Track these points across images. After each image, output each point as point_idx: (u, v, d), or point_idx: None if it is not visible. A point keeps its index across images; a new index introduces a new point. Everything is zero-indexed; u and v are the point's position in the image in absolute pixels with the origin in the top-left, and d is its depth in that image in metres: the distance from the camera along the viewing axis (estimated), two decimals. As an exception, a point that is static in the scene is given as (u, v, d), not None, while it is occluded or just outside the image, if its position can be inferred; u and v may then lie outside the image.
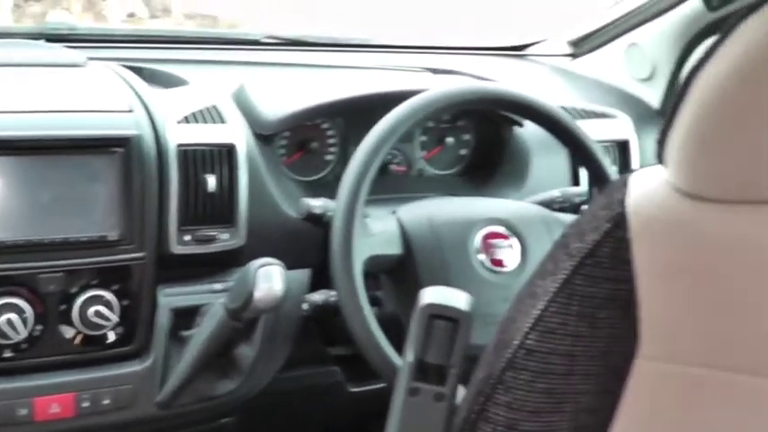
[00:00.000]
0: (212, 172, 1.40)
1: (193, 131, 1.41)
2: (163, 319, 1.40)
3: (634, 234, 0.74)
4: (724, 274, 0.69)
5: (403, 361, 0.89)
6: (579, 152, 1.46)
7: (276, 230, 1.48)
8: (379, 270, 1.40)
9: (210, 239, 1.41)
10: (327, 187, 1.61)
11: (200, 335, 1.38)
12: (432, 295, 0.95)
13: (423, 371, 0.92)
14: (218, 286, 1.43)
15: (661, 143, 0.74)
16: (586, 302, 0.76)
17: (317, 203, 1.38)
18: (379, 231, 1.37)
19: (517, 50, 2.08)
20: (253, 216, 1.45)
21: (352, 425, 1.76)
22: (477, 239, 1.40)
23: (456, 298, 0.94)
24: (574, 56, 2.02)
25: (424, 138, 1.71)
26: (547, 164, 1.66)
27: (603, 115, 1.76)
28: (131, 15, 3.60)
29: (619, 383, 0.76)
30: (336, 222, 1.31)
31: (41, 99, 1.37)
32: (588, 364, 0.77)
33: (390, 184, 1.66)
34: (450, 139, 1.71)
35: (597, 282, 0.76)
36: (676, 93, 0.72)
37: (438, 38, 2.11)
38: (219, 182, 1.40)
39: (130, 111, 1.38)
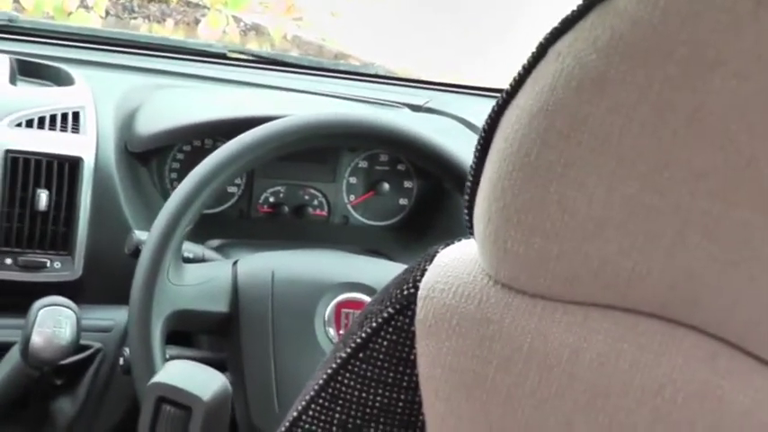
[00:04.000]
0: (47, 187, 1.18)
1: (31, 137, 1.21)
2: None
3: (420, 326, 0.56)
4: (534, 397, 0.52)
5: None
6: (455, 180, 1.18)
7: (126, 266, 1.23)
8: (196, 329, 1.16)
9: (37, 266, 1.20)
10: (227, 224, 1.37)
11: None
12: (169, 372, 0.77)
13: None
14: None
15: (469, 207, 0.56)
16: (354, 411, 0.58)
17: (146, 238, 1.14)
18: (199, 282, 1.11)
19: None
20: (97, 245, 1.23)
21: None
22: (329, 308, 1.11)
23: (202, 379, 0.79)
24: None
25: (353, 179, 1.43)
26: None
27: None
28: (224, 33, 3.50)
29: None
30: (139, 265, 1.06)
31: None
32: None
33: (306, 231, 1.40)
34: (385, 186, 1.43)
35: (369, 385, 0.58)
36: (479, 138, 0.55)
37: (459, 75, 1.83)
38: (56, 200, 1.19)
39: None
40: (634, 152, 0.47)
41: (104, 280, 1.24)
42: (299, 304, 1.11)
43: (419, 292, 0.56)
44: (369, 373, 0.57)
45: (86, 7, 3.20)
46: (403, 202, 1.47)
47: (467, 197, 0.56)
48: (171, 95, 1.41)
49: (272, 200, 1.41)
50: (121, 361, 1.13)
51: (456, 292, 0.55)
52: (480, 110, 1.60)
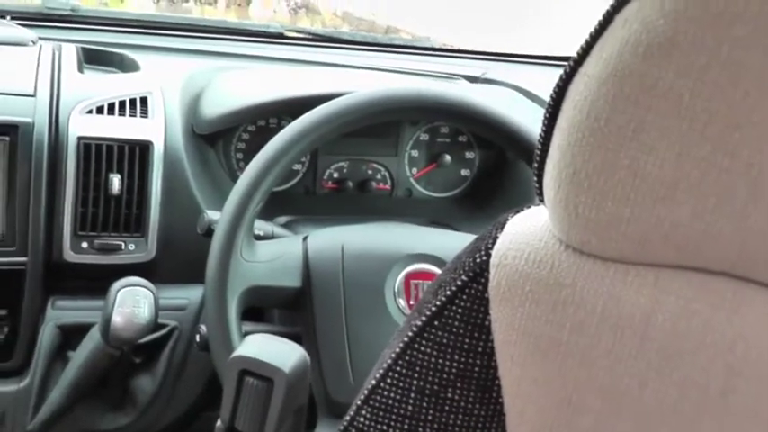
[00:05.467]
0: (119, 171, 1.21)
1: (102, 124, 1.23)
2: (47, 335, 1.22)
3: (494, 292, 0.57)
4: (608, 359, 0.54)
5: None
6: (521, 150, 1.19)
7: (198, 246, 1.26)
8: (271, 305, 1.18)
9: (113, 249, 1.22)
10: (293, 201, 1.39)
11: (76, 359, 1.19)
12: (249, 346, 0.81)
13: None
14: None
15: (538, 175, 0.58)
16: (431, 377, 0.60)
17: (218, 217, 1.16)
18: (272, 258, 1.12)
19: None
20: (169, 226, 1.26)
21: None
22: (398, 280, 1.13)
23: (282, 352, 0.79)
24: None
25: (414, 153, 1.44)
26: None
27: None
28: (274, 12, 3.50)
29: None
30: (213, 244, 1.09)
31: None
32: None
33: (371, 205, 1.42)
34: (447, 158, 1.44)
35: (445, 351, 0.60)
36: (547, 107, 0.56)
37: (501, 44, 1.83)
38: (128, 184, 1.22)
39: (32, 95, 1.21)
40: (705, 114, 0.47)
41: (177, 260, 1.26)
42: (369, 277, 1.13)
43: (491, 260, 0.58)
44: (445, 340, 0.59)
45: (139, -9, 3.23)
46: (465, 173, 1.48)
47: (536, 165, 0.57)
48: (233, 77, 1.43)
49: (336, 176, 1.43)
50: (198, 338, 1.15)
51: (528, 258, 0.56)
52: (537, 78, 1.61)
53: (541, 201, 0.58)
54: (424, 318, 0.61)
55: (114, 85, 1.30)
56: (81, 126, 1.22)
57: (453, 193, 1.48)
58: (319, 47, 1.72)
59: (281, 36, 1.72)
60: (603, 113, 0.50)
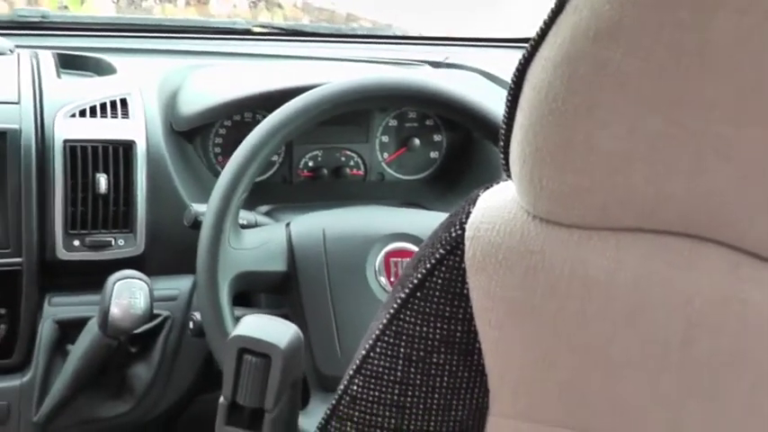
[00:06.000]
0: (105, 171, 1.26)
1: (85, 126, 1.28)
2: (46, 331, 1.28)
3: (470, 263, 0.62)
4: (578, 317, 0.58)
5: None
6: (486, 130, 1.25)
7: (186, 238, 1.31)
8: (259, 289, 1.24)
9: (103, 245, 1.28)
10: (272, 190, 1.45)
11: (75, 351, 1.25)
12: (247, 326, 0.86)
13: (236, 414, 0.82)
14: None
15: (504, 153, 0.63)
16: (417, 344, 0.65)
17: (204, 210, 1.22)
18: (257, 245, 1.19)
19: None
20: (156, 221, 1.31)
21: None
22: (378, 259, 1.20)
23: (277, 330, 0.83)
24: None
25: (385, 138, 1.51)
26: None
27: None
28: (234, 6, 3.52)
29: None
30: (202, 234, 1.14)
31: None
32: (422, 418, 0.66)
33: (345, 190, 1.48)
34: (416, 141, 1.51)
35: (428, 319, 0.65)
36: (509, 89, 0.61)
37: (458, 29, 1.89)
38: (114, 182, 1.27)
39: (16, 103, 1.26)
40: (652, 91, 0.53)
41: (165, 252, 1.32)
42: (350, 257, 1.19)
43: (466, 233, 0.63)
44: (427, 309, 0.65)
45: (99, -8, 3.24)
46: (433, 155, 1.55)
47: (501, 143, 0.63)
48: (207, 74, 1.48)
49: (311, 164, 1.49)
50: (191, 325, 1.21)
51: (499, 229, 0.62)
52: (498, 61, 1.68)
53: (508, 176, 0.63)
54: (407, 290, 0.66)
55: (94, 89, 1.35)
56: (66, 129, 1.27)
57: (424, 175, 1.55)
58: (285, 41, 1.78)
59: (247, 32, 1.78)
60: (560, 94, 0.55)
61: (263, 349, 0.79)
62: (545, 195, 0.58)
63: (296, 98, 1.17)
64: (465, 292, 0.63)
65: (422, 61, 1.71)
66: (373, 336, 0.68)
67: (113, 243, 1.29)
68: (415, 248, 1.20)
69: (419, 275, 0.65)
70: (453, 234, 0.64)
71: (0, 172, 1.22)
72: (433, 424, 0.66)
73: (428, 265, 0.65)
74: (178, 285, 1.33)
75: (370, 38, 1.84)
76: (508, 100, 0.60)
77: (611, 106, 0.54)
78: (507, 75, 1.59)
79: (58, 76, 1.40)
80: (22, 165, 1.22)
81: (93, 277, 1.29)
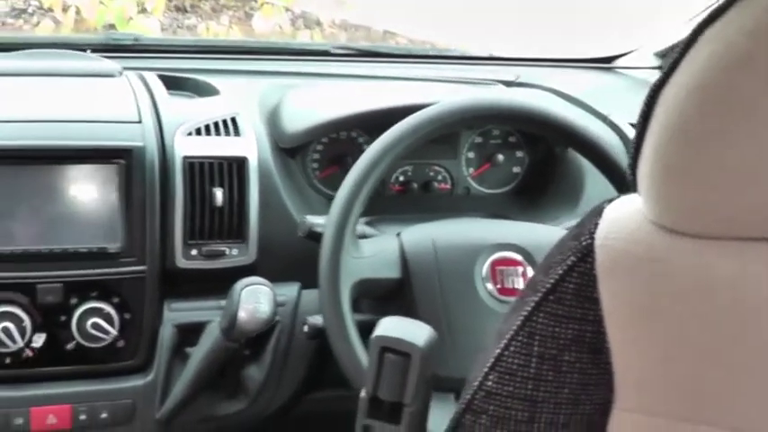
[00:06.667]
0: (221, 185, 1.36)
1: (202, 144, 1.37)
2: (166, 334, 1.37)
3: (601, 269, 0.67)
4: (703, 319, 0.63)
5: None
6: (602, 164, 1.34)
7: (292, 247, 1.41)
8: (375, 295, 1.32)
9: (218, 255, 1.37)
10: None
11: (197, 353, 1.34)
12: (386, 327, 0.90)
13: (376, 408, 0.87)
14: (225, 303, 1.38)
15: (632, 168, 0.67)
16: (549, 343, 0.70)
17: (319, 221, 1.31)
18: (374, 253, 1.28)
19: (605, 62, 1.93)
20: (266, 232, 1.40)
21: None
22: (485, 267, 1.29)
23: (413, 331, 0.89)
24: (661, 68, 1.84)
25: (471, 154, 1.61)
26: (603, 184, 1.51)
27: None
28: (280, 27, 3.62)
29: None
30: (324, 243, 1.24)
31: (54, 108, 1.38)
32: (553, 411, 0.70)
33: (434, 203, 1.58)
34: (500, 157, 1.60)
35: (560, 321, 0.69)
36: (641, 112, 0.65)
37: (523, 50, 1.98)
38: (228, 196, 1.36)
39: (138, 122, 1.36)
40: None
41: (274, 261, 1.41)
42: (459, 265, 1.29)
43: (595, 242, 0.68)
44: (560, 311, 0.69)
45: (144, 11, 3.34)
46: (516, 170, 1.64)
47: (631, 160, 0.68)
48: (302, 94, 1.58)
49: (401, 179, 1.59)
50: (305, 328, 1.31)
51: (628, 239, 0.67)
52: (565, 80, 1.77)
53: (634, 190, 0.68)
54: (539, 294, 0.70)
55: (204, 108, 1.45)
56: (185, 147, 1.36)
57: (506, 189, 1.64)
58: (363, 61, 1.88)
59: (325, 53, 1.87)
60: (693, 117, 0.60)
61: (403, 348, 0.85)
62: (672, 208, 0.63)
63: (408, 117, 1.27)
64: (595, 296, 0.67)
65: (495, 80, 1.80)
66: (507, 336, 0.73)
67: (227, 252, 1.37)
68: (518, 257, 1.30)
69: (552, 280, 0.70)
70: (584, 242, 0.69)
71: (126, 186, 1.31)
72: (562, 417, 0.70)
73: (560, 272, 0.70)
74: (286, 292, 1.42)
75: (441, 58, 1.93)
76: (639, 121, 0.65)
77: (740, 131, 0.58)
78: (576, 93, 1.69)
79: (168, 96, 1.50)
80: (147, 180, 1.31)
81: (208, 284, 1.39)
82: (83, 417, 1.33)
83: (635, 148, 0.66)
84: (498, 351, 0.73)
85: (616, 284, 0.66)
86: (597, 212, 0.71)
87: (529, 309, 0.71)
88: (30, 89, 1.45)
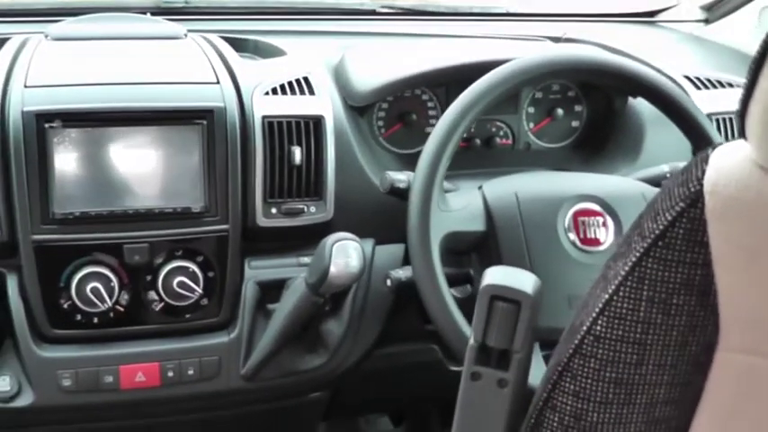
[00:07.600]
0: (298, 144, 1.37)
1: (280, 103, 1.39)
2: (249, 291, 1.39)
3: (710, 214, 0.69)
4: None
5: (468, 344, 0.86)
6: (682, 121, 1.36)
7: (367, 204, 1.44)
8: (461, 247, 1.34)
9: (297, 212, 1.39)
10: None
11: (282, 309, 1.37)
12: (494, 276, 0.91)
13: (485, 355, 0.89)
14: (305, 260, 1.41)
15: (741, 116, 0.69)
16: (659, 287, 0.72)
17: (401, 177, 1.34)
18: (461, 207, 1.31)
19: (648, 17, 1.96)
20: (342, 189, 1.42)
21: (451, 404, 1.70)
22: (567, 217, 1.31)
23: (521, 279, 0.90)
24: (707, 21, 1.88)
25: (531, 109, 1.63)
26: (663, 137, 1.55)
27: (731, 85, 1.62)
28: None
29: (699, 375, 0.73)
30: (413, 198, 1.26)
31: (131, 71, 1.38)
32: (662, 353, 0.73)
33: (495, 158, 1.60)
34: (559, 111, 1.63)
35: (670, 265, 0.71)
36: (754, 58, 0.67)
37: (567, 4, 2.00)
38: (306, 154, 1.38)
39: (216, 83, 1.37)
40: None
41: (350, 218, 1.42)
42: (542, 216, 1.31)
43: (704, 188, 0.71)
44: (669, 256, 0.72)
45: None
46: (575, 124, 1.67)
47: (740, 105, 0.70)
48: (363, 53, 1.59)
49: (465, 135, 1.60)
50: (388, 282, 1.33)
51: (738, 185, 0.69)
52: (612, 34, 1.80)
53: (744, 137, 0.71)
54: (648, 240, 0.73)
55: (276, 68, 1.46)
56: (263, 106, 1.37)
57: (566, 143, 1.67)
58: (409, 20, 1.89)
59: (372, 12, 1.88)
60: None
61: (514, 296, 0.87)
62: None
63: (491, 72, 1.29)
64: (705, 240, 0.70)
65: (542, 36, 1.82)
66: (616, 281, 0.75)
67: (306, 210, 1.39)
68: (598, 208, 1.33)
69: (661, 226, 0.72)
70: (692, 189, 0.71)
71: (208, 147, 1.32)
72: (669, 359, 0.73)
73: (669, 218, 0.72)
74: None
75: (487, 15, 1.95)
76: (751, 67, 0.66)
77: None
78: (627, 48, 1.71)
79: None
80: (228, 140, 1.33)
81: (287, 242, 1.41)
82: (170, 374, 1.36)
83: (746, 93, 0.68)
84: (607, 296, 0.75)
85: (726, 229, 0.69)
86: (703, 160, 0.73)
87: (638, 254, 0.73)
88: (104, 52, 1.46)
